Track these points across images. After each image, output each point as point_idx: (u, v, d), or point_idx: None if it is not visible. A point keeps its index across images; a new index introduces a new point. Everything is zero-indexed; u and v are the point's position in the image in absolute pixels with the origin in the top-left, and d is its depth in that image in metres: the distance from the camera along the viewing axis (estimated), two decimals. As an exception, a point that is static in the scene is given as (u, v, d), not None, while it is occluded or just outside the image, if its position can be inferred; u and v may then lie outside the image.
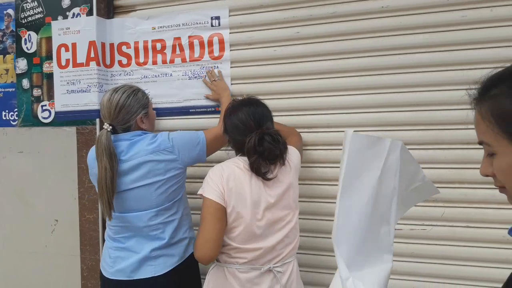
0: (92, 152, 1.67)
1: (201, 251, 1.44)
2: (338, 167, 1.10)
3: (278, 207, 1.51)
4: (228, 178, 1.46)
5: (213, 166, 1.54)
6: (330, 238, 1.06)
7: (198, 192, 1.49)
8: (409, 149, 1.80)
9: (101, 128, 1.69)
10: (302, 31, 1.95)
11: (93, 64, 2.18)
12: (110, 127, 1.60)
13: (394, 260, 1.81)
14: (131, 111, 1.64)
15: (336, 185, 1.15)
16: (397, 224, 1.83)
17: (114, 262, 1.65)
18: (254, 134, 1.47)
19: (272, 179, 1.50)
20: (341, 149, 1.16)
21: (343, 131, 1.24)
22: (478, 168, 0.80)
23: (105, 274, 1.67)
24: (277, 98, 1.98)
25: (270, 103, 1.92)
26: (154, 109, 1.94)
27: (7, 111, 2.44)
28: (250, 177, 1.48)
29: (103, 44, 2.20)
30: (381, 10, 1.82)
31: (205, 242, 1.42)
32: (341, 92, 1.91)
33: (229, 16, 2.04)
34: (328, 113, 1.94)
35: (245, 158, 1.50)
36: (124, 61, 2.24)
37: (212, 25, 2.07)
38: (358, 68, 1.88)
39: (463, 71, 1.75)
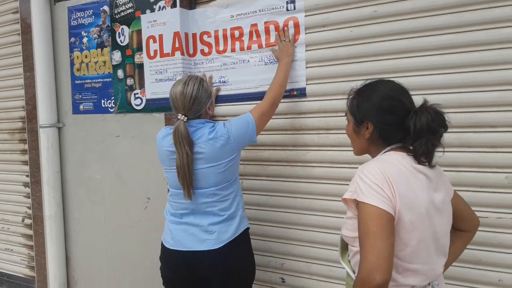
0: (161, 132, 1.83)
1: (377, 274, 1.05)
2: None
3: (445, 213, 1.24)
4: (396, 179, 1.14)
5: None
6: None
7: (345, 196, 1.20)
8: (497, 132, 1.70)
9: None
10: (379, 10, 1.88)
11: (178, 54, 2.32)
12: (186, 118, 1.72)
13: (480, 250, 1.73)
14: (202, 102, 1.76)
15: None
16: (483, 211, 1.73)
17: (174, 234, 1.80)
18: (422, 109, 1.19)
19: (434, 166, 1.22)
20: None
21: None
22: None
23: (166, 245, 1.83)
24: (353, 80, 1.94)
25: (346, 85, 1.91)
26: (233, 95, 2.02)
27: (105, 99, 2.69)
28: (418, 176, 1.19)
29: (186, 34, 2.33)
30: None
31: (380, 261, 1.06)
32: (422, 72, 1.82)
33: (305, -2, 2.03)
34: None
35: (402, 154, 1.22)
36: (206, 49, 2.35)
37: (287, 9, 2.08)
38: (439, 46, 1.77)
39: None
